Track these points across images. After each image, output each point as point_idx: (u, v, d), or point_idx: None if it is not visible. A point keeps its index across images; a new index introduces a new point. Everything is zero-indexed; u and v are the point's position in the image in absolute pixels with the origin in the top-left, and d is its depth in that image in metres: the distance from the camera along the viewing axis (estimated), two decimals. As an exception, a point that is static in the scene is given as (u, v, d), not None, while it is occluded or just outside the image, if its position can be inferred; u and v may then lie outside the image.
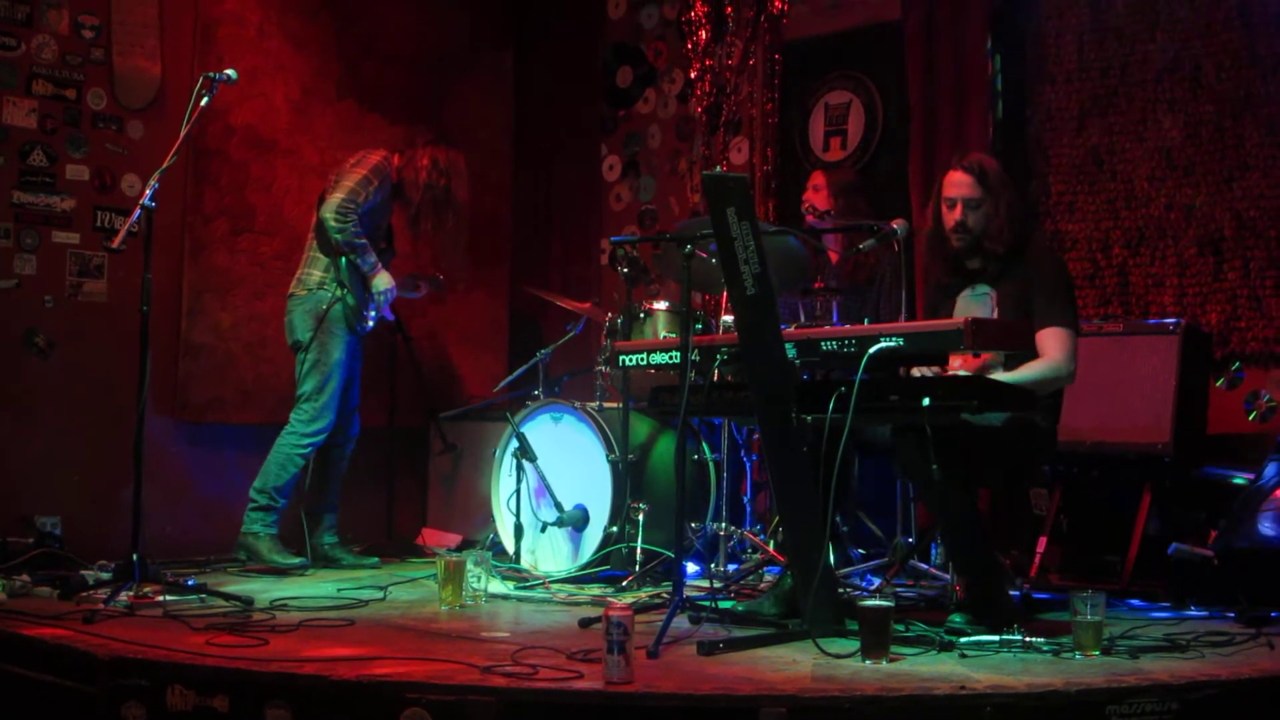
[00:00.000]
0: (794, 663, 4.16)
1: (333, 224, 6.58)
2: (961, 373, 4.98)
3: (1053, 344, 4.85)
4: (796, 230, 6.64)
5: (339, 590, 5.81)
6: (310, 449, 6.68)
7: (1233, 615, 5.03)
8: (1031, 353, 4.82)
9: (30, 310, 6.89)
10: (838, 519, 6.11)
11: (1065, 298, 5.04)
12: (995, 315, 5.02)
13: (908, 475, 5.01)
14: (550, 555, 6.47)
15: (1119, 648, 4.28)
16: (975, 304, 5.13)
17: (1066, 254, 6.95)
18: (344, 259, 6.67)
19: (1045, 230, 7.04)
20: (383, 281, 6.76)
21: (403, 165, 6.90)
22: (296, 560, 6.54)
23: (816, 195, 6.92)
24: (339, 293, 6.68)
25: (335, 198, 6.61)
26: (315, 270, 6.73)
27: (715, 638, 4.44)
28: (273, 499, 6.59)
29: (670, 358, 5.06)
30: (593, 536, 6.31)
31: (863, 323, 5.81)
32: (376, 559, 6.93)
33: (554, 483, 6.40)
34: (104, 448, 6.86)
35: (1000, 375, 4.82)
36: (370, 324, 6.84)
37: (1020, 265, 5.07)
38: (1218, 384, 6.46)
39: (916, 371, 4.96)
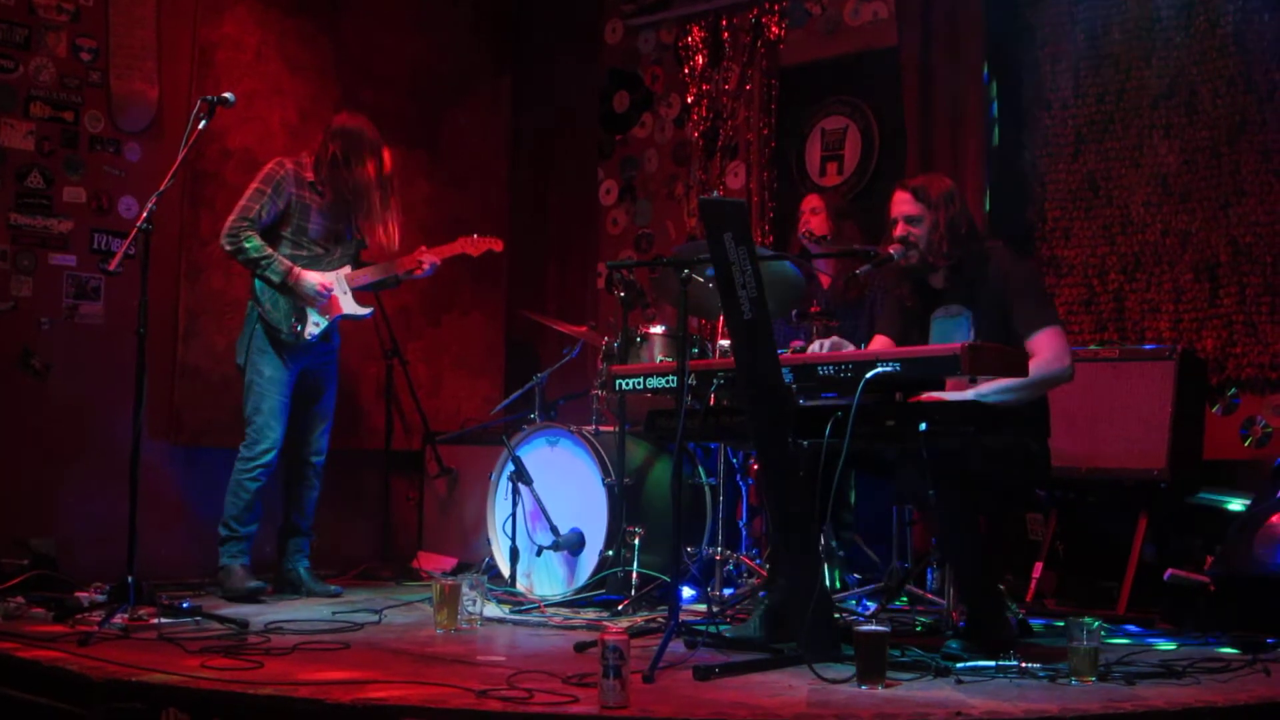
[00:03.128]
0: (790, 688, 4.16)
1: (224, 246, 6.47)
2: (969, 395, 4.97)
3: (1046, 345, 4.87)
4: (793, 255, 6.65)
5: (334, 613, 5.80)
6: (257, 473, 6.49)
7: (1229, 641, 5.03)
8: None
9: (26, 332, 6.89)
10: (834, 544, 6.12)
11: (1043, 297, 5.13)
12: (972, 335, 5.03)
13: (912, 500, 5.03)
14: (546, 579, 6.46)
15: (1115, 674, 4.27)
16: (952, 326, 5.14)
17: (1063, 279, 6.97)
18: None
19: (1041, 255, 7.05)
20: (307, 283, 6.52)
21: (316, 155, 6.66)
22: (255, 583, 6.40)
23: (815, 218, 6.91)
24: (258, 310, 6.51)
25: (227, 221, 6.49)
26: (249, 292, 6.62)
27: (711, 662, 4.43)
28: (232, 530, 6.48)
29: (667, 382, 5.05)
30: (588, 560, 6.30)
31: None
32: (338, 588, 6.73)
33: (550, 506, 6.39)
34: (100, 470, 6.85)
35: (1002, 381, 4.82)
36: (312, 330, 6.57)
37: (988, 280, 5.09)
38: (1213, 410, 6.47)
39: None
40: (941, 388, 4.85)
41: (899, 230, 5.18)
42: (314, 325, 6.57)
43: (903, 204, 5.19)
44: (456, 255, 6.91)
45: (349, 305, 6.69)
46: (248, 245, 6.43)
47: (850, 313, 6.63)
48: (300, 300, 6.53)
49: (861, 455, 4.98)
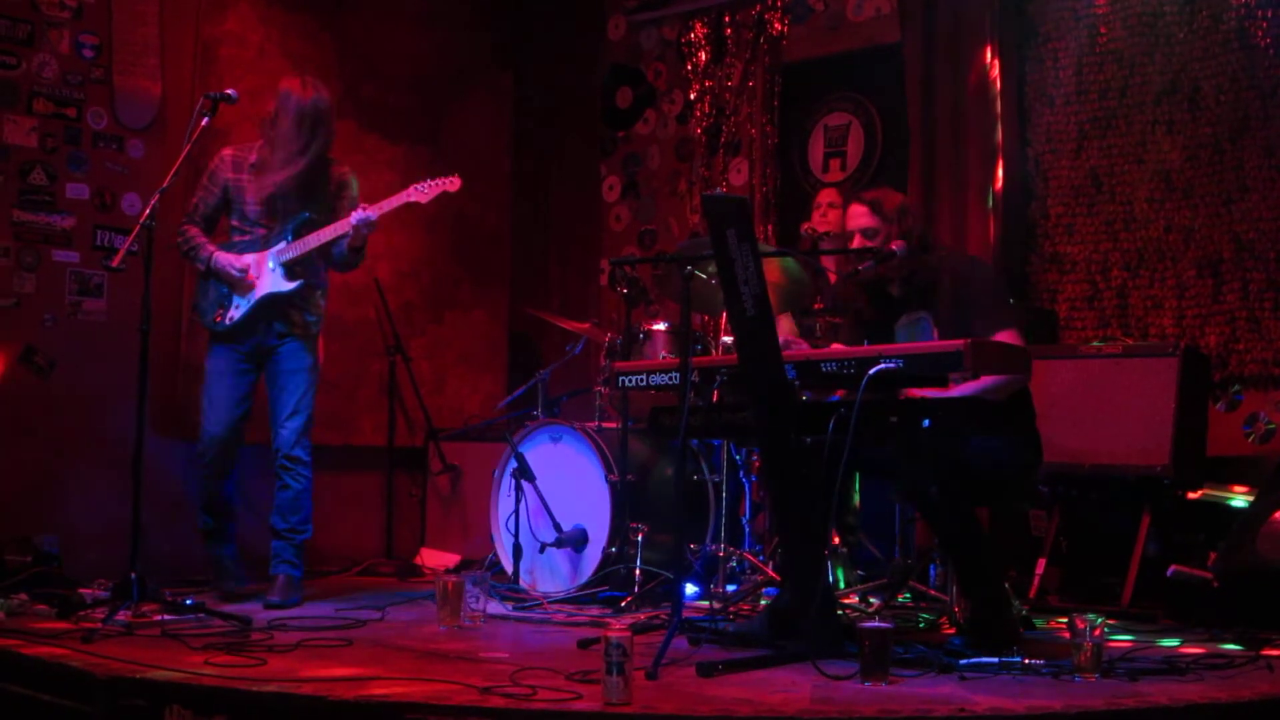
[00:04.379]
0: (793, 684, 4.16)
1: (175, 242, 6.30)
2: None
3: None
4: (796, 251, 6.65)
5: (337, 610, 5.80)
6: (204, 460, 6.25)
7: (1232, 638, 5.03)
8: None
9: (30, 329, 6.89)
10: (837, 540, 6.12)
11: (1000, 300, 5.12)
12: (935, 335, 5.04)
13: (910, 497, 5.03)
14: (549, 575, 6.46)
15: (1118, 670, 4.28)
16: (917, 330, 5.15)
17: (1066, 276, 6.97)
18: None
19: (1043, 251, 7.05)
20: (221, 264, 6.15)
21: None
22: (232, 585, 6.25)
23: (834, 212, 6.90)
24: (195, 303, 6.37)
25: None
26: None
27: (714, 659, 4.43)
28: (202, 522, 6.34)
29: (670, 378, 5.05)
30: (591, 557, 6.30)
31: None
32: (286, 599, 6.19)
33: (553, 503, 6.39)
34: (103, 467, 6.85)
35: (961, 388, 4.84)
36: (233, 314, 6.20)
37: (942, 284, 5.10)
38: (1216, 406, 6.46)
39: None
40: (944, 384, 4.85)
41: (856, 243, 5.20)
42: (235, 309, 6.24)
43: (859, 217, 5.22)
44: (402, 205, 6.30)
45: (272, 282, 6.21)
46: (179, 240, 6.25)
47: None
48: (225, 284, 6.25)
49: (863, 457, 4.98)
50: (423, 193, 6.28)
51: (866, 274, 5.56)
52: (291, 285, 6.22)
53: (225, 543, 6.38)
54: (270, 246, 6.22)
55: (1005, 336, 4.85)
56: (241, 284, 6.20)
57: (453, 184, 6.32)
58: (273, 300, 6.22)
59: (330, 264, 6.41)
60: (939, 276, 5.12)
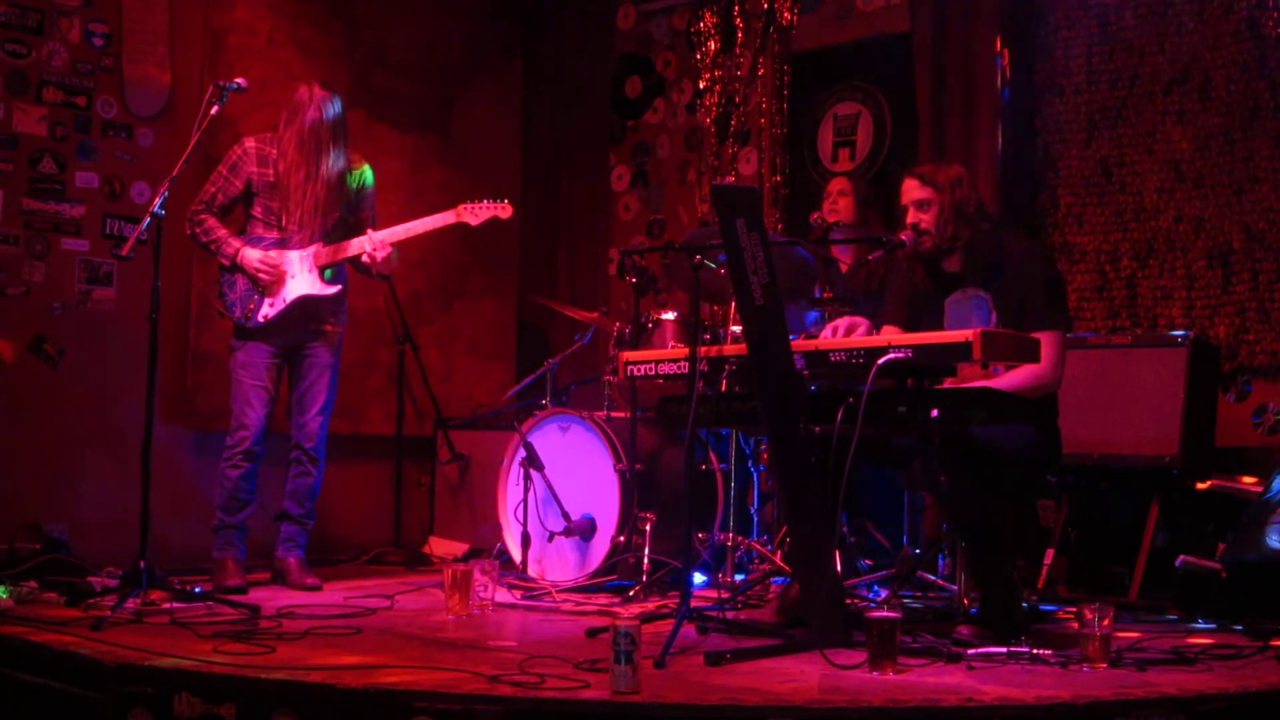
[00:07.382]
0: (801, 673, 4.16)
1: (186, 232, 6.28)
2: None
3: (1042, 349, 4.81)
4: (805, 240, 6.64)
5: (346, 598, 5.81)
6: (236, 460, 6.23)
7: (1240, 628, 5.02)
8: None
9: (39, 317, 6.90)
10: (845, 529, 6.12)
11: (1055, 298, 5.07)
12: (994, 318, 5.01)
13: (926, 486, 5.04)
14: (557, 564, 6.46)
15: (1127, 660, 4.27)
16: (969, 307, 5.13)
17: (1075, 266, 6.95)
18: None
19: (1053, 241, 7.04)
20: (249, 262, 6.18)
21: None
22: (236, 583, 6.09)
23: (844, 200, 6.89)
24: (220, 294, 6.32)
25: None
26: None
27: (722, 648, 4.44)
28: (220, 519, 6.29)
29: (678, 368, 5.05)
30: (600, 546, 6.30)
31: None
32: (317, 583, 6.31)
33: (561, 492, 6.39)
34: (112, 455, 6.87)
35: (986, 381, 4.83)
36: (267, 312, 6.21)
37: (1006, 266, 5.07)
38: (1226, 396, 6.45)
39: None
40: (954, 374, 4.85)
41: (910, 216, 5.16)
42: (268, 307, 6.24)
43: (911, 190, 5.17)
44: (443, 229, 6.48)
45: (308, 285, 6.27)
46: (198, 229, 6.23)
47: (865, 298, 6.62)
48: (251, 281, 6.24)
49: (873, 445, 4.97)
50: (474, 213, 6.48)
51: (875, 264, 5.56)
52: (333, 289, 6.35)
53: (239, 540, 6.32)
54: (304, 247, 6.29)
55: (1046, 341, 4.80)
56: (272, 284, 6.24)
57: (505, 210, 6.55)
58: (310, 301, 6.30)
59: (358, 268, 6.47)
60: (1005, 255, 5.09)
